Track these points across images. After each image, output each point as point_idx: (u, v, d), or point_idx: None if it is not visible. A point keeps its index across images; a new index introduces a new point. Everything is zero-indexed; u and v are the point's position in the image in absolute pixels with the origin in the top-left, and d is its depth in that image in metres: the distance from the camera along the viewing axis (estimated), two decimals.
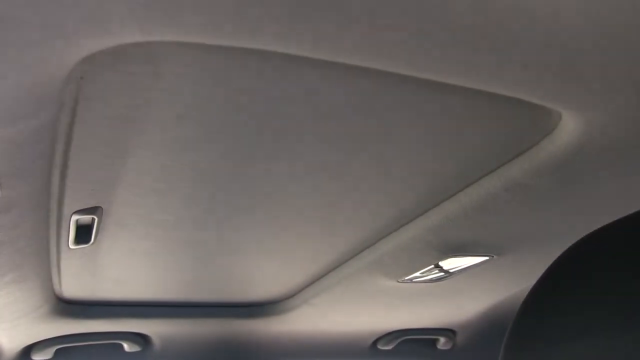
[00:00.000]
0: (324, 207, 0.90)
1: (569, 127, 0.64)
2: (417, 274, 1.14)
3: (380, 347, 1.62)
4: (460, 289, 1.32)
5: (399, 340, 1.61)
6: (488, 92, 0.57)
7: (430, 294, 1.34)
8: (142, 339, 1.40)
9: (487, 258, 1.06)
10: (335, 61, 0.50)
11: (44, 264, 0.98)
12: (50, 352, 1.34)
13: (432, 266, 1.11)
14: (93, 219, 0.88)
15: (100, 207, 0.85)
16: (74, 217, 0.86)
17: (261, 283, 1.28)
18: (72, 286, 1.20)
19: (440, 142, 0.74)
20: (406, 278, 1.17)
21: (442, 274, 1.15)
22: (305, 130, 0.69)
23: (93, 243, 0.96)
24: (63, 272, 1.11)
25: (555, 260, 0.61)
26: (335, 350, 1.60)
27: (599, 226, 0.61)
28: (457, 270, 1.14)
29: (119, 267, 1.11)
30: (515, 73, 0.53)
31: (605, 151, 0.69)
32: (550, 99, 0.58)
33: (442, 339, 1.65)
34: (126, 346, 1.40)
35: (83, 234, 0.92)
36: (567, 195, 0.81)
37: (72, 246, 0.97)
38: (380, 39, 0.47)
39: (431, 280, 1.20)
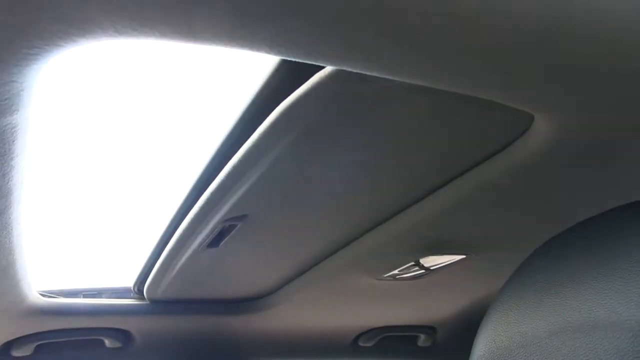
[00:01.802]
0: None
1: (541, 129, 0.66)
2: (396, 271, 1.16)
3: (361, 343, 1.63)
4: (440, 286, 1.34)
5: (380, 337, 1.62)
6: (460, 94, 0.58)
7: (410, 292, 1.36)
8: (123, 335, 1.39)
9: (464, 256, 1.08)
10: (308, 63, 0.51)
11: (24, 259, 0.98)
12: (30, 348, 1.33)
13: (412, 264, 1.12)
14: (232, 226, 0.92)
15: (247, 214, 0.89)
16: (223, 224, 0.91)
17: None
18: (172, 285, 1.25)
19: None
20: (386, 275, 1.18)
21: (422, 271, 1.17)
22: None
23: (219, 247, 1.01)
24: (174, 272, 1.16)
25: (525, 260, 0.62)
26: (316, 346, 1.60)
27: (570, 225, 0.62)
28: (436, 268, 1.15)
29: (212, 269, 1.16)
30: (485, 76, 0.54)
31: (577, 153, 0.70)
32: (520, 101, 0.59)
33: (422, 336, 1.66)
34: (107, 342, 1.39)
35: (217, 238, 0.97)
36: (540, 195, 0.83)
37: (201, 249, 1.01)
38: (351, 41, 0.48)
39: (411, 278, 1.21)
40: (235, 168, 0.76)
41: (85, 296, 1.34)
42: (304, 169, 0.79)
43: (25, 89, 0.51)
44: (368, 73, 0.53)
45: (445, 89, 0.57)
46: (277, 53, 0.49)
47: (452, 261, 1.11)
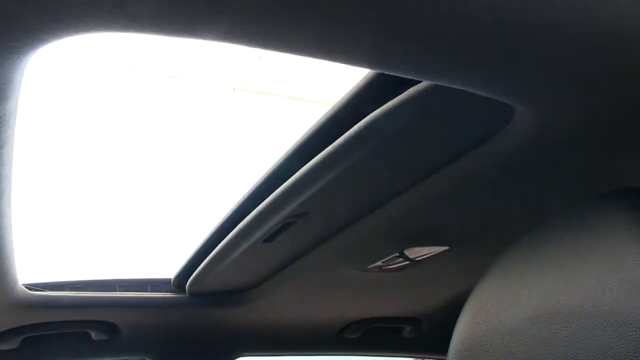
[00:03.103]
0: None
1: (522, 121, 0.67)
2: (381, 262, 1.17)
3: (346, 335, 1.64)
4: (424, 278, 1.35)
5: (366, 328, 1.63)
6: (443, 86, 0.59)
7: (394, 283, 1.37)
8: (109, 327, 1.39)
9: (447, 248, 1.09)
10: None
11: (10, 252, 0.97)
12: (16, 342, 1.33)
13: (396, 255, 1.13)
14: (292, 222, 0.96)
15: (308, 212, 0.93)
16: (287, 220, 0.95)
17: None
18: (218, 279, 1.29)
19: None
20: (370, 267, 1.20)
21: (406, 262, 1.18)
22: None
23: (272, 242, 1.04)
24: (222, 267, 1.18)
25: (504, 250, 0.64)
26: (301, 339, 1.61)
27: (549, 216, 0.63)
28: (420, 260, 1.16)
29: (251, 264, 1.20)
30: (467, 68, 0.55)
31: (557, 145, 0.72)
32: (501, 94, 0.60)
33: (407, 328, 1.67)
34: (93, 335, 1.39)
35: (276, 233, 1.01)
36: (521, 187, 0.84)
37: (258, 244, 1.05)
38: (331, 33, 0.48)
39: (395, 269, 1.23)
40: (315, 167, 0.81)
41: (71, 289, 1.34)
42: (373, 173, 0.85)
43: (7, 82, 0.52)
44: (349, 65, 0.54)
45: (428, 80, 0.58)
46: (256, 45, 0.49)
47: (435, 252, 1.12)
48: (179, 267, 1.34)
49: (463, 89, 0.59)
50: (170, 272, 1.41)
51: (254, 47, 0.49)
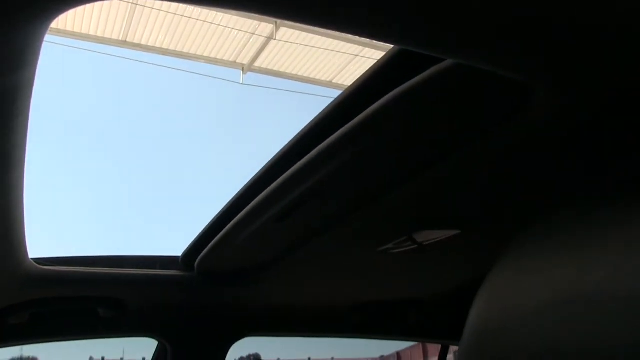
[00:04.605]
0: None
1: (541, 103, 0.66)
2: (390, 245, 1.16)
3: (352, 318, 1.64)
4: (432, 261, 1.35)
5: (371, 311, 1.64)
6: (459, 65, 0.58)
7: (402, 266, 1.37)
8: (116, 304, 1.40)
9: (457, 232, 1.09)
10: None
11: (21, 226, 0.97)
12: (24, 316, 1.34)
13: (405, 238, 1.13)
14: (305, 201, 0.97)
15: (320, 193, 0.94)
16: (301, 198, 0.96)
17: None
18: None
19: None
20: (378, 250, 1.19)
21: (415, 246, 1.17)
22: None
23: (283, 222, 1.06)
24: (233, 245, 1.19)
25: (518, 235, 0.63)
26: (307, 321, 1.62)
27: (562, 200, 0.63)
28: (429, 243, 1.16)
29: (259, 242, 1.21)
30: (484, 46, 0.54)
31: (575, 129, 0.71)
32: (521, 74, 0.59)
33: (413, 311, 1.68)
34: (101, 311, 1.40)
35: (288, 212, 1.01)
36: (533, 170, 0.83)
37: (269, 222, 1.06)
38: (357, 6, 0.48)
39: (404, 252, 1.22)
40: (328, 148, 0.81)
41: (79, 265, 1.34)
42: (385, 155, 0.84)
43: (26, 48, 0.51)
44: (373, 39, 0.53)
45: (450, 58, 0.57)
46: (267, 13, 0.49)
47: (444, 237, 1.12)
48: (188, 245, 1.34)
49: (484, 68, 0.58)
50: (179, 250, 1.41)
51: (277, 17, 0.49)
